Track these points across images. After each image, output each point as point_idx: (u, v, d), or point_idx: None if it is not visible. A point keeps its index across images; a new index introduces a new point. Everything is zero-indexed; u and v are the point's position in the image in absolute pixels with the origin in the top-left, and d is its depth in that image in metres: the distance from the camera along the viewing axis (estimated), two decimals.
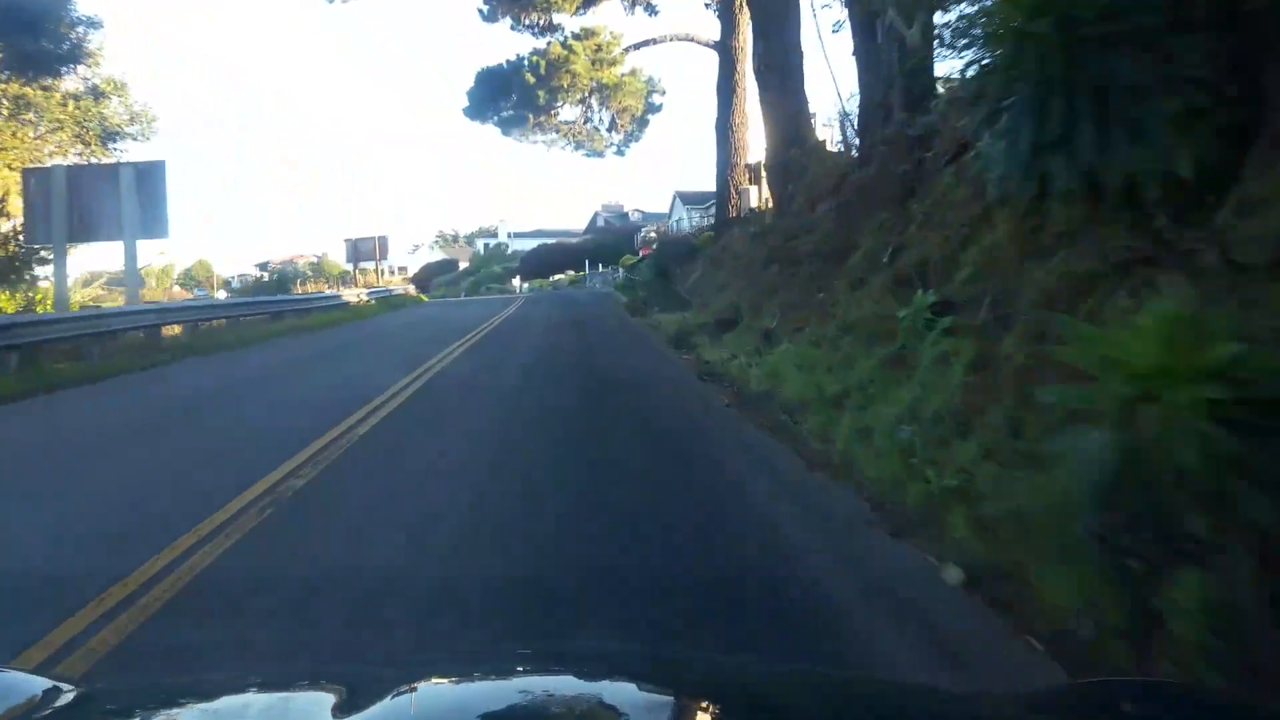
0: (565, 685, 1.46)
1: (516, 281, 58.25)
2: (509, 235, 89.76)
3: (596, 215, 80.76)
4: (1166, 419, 2.87)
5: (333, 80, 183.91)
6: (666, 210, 69.06)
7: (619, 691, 1.42)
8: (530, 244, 78.67)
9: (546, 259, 66.20)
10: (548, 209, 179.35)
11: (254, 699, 1.41)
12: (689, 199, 64.58)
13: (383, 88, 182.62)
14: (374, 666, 1.98)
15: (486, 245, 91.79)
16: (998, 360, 4.90)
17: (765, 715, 1.34)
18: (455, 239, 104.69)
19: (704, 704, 1.41)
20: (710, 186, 28.28)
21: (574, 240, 73.88)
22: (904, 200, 8.76)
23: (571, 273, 59.80)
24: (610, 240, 67.44)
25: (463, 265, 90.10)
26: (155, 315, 19.01)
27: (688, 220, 61.13)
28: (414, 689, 1.38)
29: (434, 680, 1.50)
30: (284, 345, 18.72)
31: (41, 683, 1.39)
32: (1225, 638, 2.52)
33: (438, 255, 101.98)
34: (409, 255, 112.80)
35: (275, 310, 25.32)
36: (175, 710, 1.40)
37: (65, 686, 1.39)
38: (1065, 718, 1.36)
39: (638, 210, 79.78)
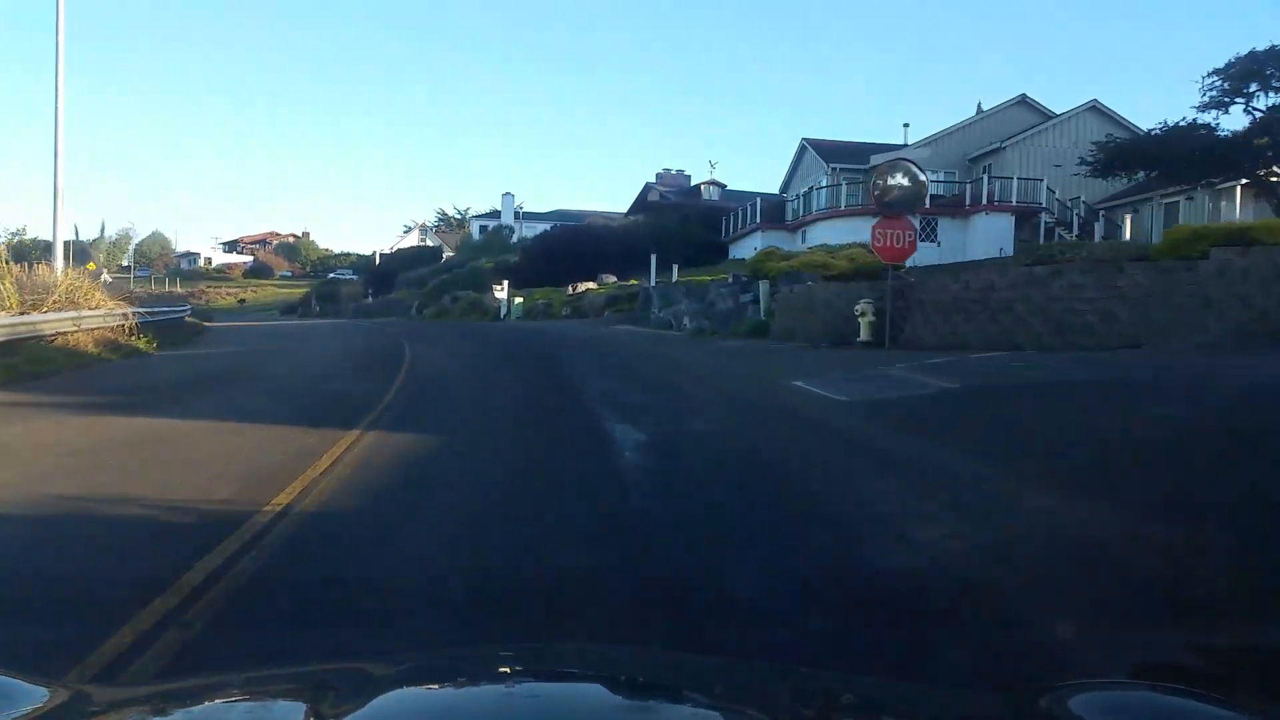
0: (550, 689, 1.46)
1: (503, 293, 30.55)
2: (517, 215, 62.01)
3: (648, 189, 52.85)
4: None
5: None
6: (780, 183, 40.83)
7: (603, 695, 1.43)
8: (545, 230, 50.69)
9: (565, 251, 38.40)
10: (579, 184, 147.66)
11: (236, 703, 1.40)
12: (837, 153, 36.51)
13: None
14: (356, 670, 1.66)
15: (483, 229, 64.10)
16: None
17: (751, 717, 1.37)
18: (462, 220, 77.47)
19: (689, 706, 1.40)
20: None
21: (613, 224, 45.90)
22: None
23: (612, 279, 31.91)
24: (675, 226, 39.47)
25: (448, 255, 62.68)
26: None
27: (827, 193, 32.96)
28: (396, 693, 1.39)
29: (416, 684, 1.48)
30: None
31: (18, 685, 1.38)
32: None
33: (433, 241, 75.39)
34: (401, 236, 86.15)
35: None
36: (157, 714, 1.40)
37: (44, 689, 1.37)
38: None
39: (714, 183, 51.65)
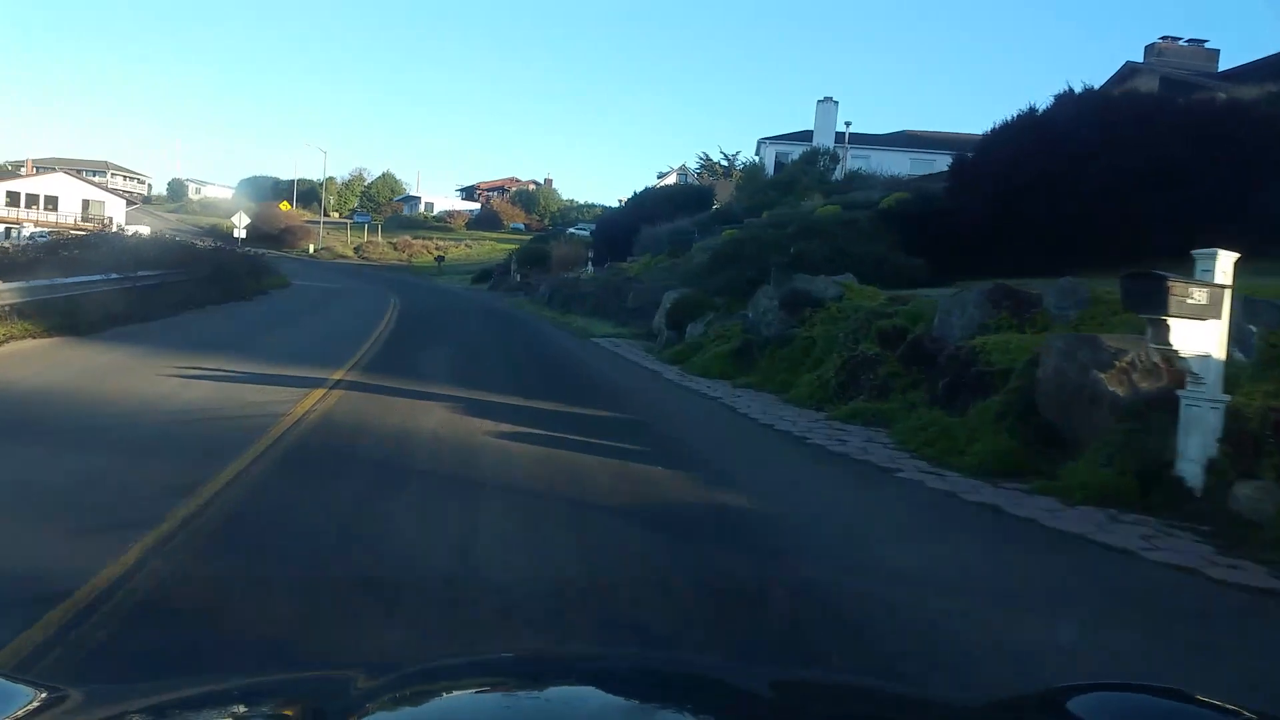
0: (552, 692, 1.45)
1: None
2: (840, 138, 37.59)
3: (1127, 73, 26.35)
4: None
5: None
6: None
7: (604, 698, 1.43)
8: (897, 160, 25.81)
9: (1135, 170, 13.70)
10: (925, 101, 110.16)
11: (234, 707, 1.39)
12: None
13: None
14: (356, 674, 1.64)
15: (781, 159, 40.15)
16: None
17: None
18: (729, 167, 54.67)
19: (689, 709, 1.40)
20: None
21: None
22: None
23: None
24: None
25: (718, 206, 39.56)
26: None
27: None
28: (399, 696, 1.38)
29: (418, 687, 1.47)
30: None
31: (14, 688, 1.37)
32: None
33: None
34: (657, 182, 64.27)
35: None
36: (154, 715, 1.38)
37: (37, 690, 1.36)
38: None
39: None
